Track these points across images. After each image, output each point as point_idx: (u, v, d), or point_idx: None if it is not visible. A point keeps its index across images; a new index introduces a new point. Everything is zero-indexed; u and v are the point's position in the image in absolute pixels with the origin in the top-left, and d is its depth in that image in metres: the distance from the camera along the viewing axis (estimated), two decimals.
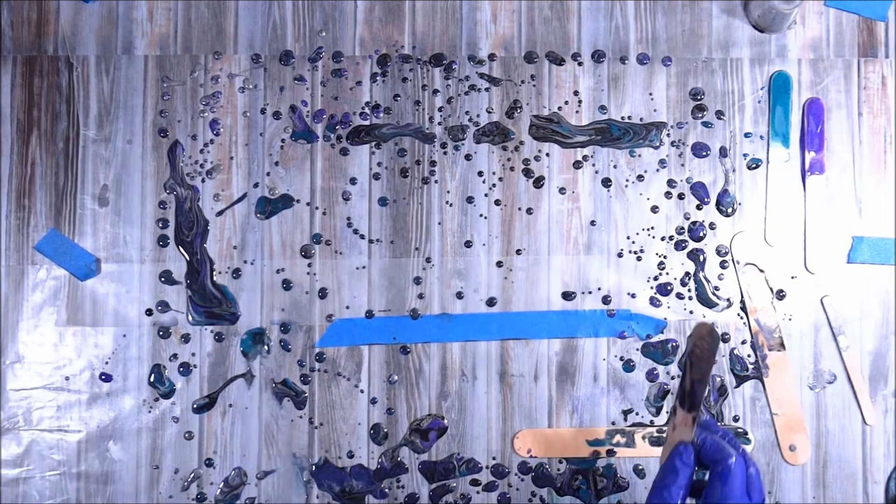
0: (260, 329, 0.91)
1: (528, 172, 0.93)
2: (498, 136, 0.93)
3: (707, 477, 0.65)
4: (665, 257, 0.93)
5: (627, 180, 0.93)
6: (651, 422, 0.91)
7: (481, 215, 0.92)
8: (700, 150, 0.93)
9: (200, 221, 0.91)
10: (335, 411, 0.90)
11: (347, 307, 0.91)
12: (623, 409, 0.91)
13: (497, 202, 0.92)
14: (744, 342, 0.92)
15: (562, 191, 0.93)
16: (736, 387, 0.92)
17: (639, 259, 0.92)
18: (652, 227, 0.93)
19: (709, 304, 0.92)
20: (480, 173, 0.93)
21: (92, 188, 0.91)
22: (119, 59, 0.92)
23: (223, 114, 0.92)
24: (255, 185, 0.92)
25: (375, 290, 0.92)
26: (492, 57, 0.93)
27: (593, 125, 0.93)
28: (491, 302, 0.92)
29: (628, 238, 0.93)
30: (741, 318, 0.92)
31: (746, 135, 0.94)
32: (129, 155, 0.92)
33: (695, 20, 0.95)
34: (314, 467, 0.89)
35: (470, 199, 0.92)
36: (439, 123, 0.93)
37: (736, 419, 0.91)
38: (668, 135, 0.94)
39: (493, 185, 0.93)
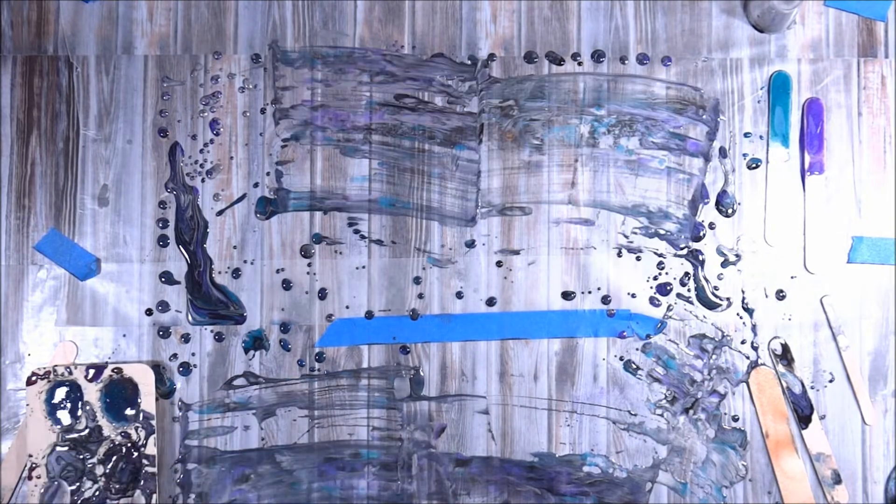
0: (259, 332, 0.91)
1: (528, 172, 0.93)
2: (498, 136, 0.93)
3: None
4: (664, 257, 0.93)
5: (627, 180, 0.93)
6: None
7: (481, 215, 0.92)
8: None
9: (200, 226, 0.91)
10: (335, 410, 0.90)
11: (347, 307, 0.91)
12: (623, 408, 0.91)
13: (497, 202, 0.92)
14: (743, 342, 0.92)
15: (562, 190, 0.93)
16: (735, 386, 0.92)
17: (638, 259, 0.92)
18: (652, 227, 0.93)
19: (709, 304, 0.92)
20: (480, 173, 0.93)
21: (92, 188, 0.91)
22: (119, 59, 0.92)
23: (223, 114, 0.92)
24: (255, 185, 0.92)
25: (375, 290, 0.92)
26: (491, 57, 0.93)
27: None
28: (491, 302, 0.92)
29: (627, 238, 0.93)
30: (740, 318, 0.92)
31: (746, 135, 0.94)
32: (129, 155, 0.92)
33: (694, 20, 0.95)
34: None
35: (470, 199, 0.92)
36: (441, 123, 0.93)
37: (735, 419, 0.91)
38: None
39: (494, 185, 0.93)
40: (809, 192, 0.93)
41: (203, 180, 0.92)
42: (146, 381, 0.87)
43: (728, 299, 0.93)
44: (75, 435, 0.87)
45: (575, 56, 0.94)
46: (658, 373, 0.92)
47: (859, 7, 0.95)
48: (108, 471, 0.87)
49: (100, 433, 0.87)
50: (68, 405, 0.87)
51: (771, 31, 0.94)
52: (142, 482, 0.86)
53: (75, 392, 0.87)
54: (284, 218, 0.92)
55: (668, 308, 0.92)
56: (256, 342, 0.91)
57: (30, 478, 0.86)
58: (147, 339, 0.90)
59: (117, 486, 0.86)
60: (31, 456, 0.86)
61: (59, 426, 0.87)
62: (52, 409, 0.87)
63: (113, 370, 0.87)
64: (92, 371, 0.87)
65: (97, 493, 0.86)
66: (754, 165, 0.94)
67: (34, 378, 0.87)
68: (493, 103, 0.93)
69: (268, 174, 0.92)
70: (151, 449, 0.87)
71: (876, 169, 0.94)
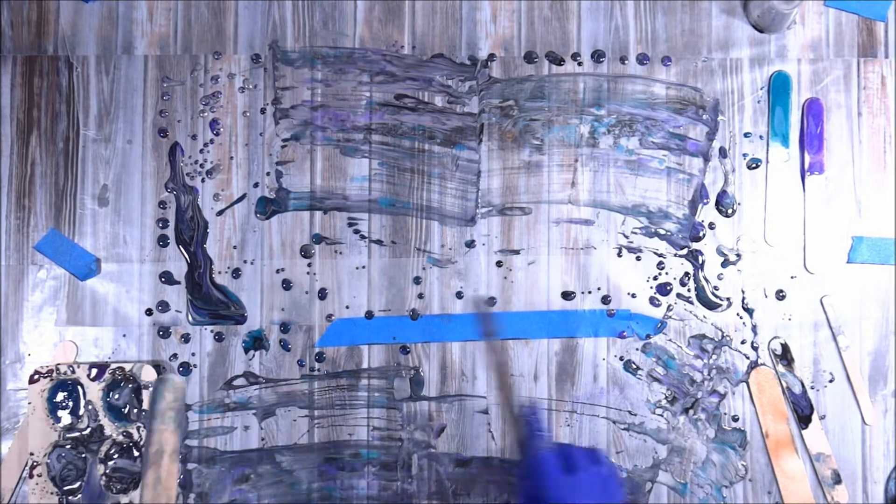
0: (259, 332, 0.91)
1: (528, 172, 0.93)
2: (498, 136, 0.93)
3: None
4: (664, 257, 0.93)
5: (627, 180, 0.93)
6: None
7: (481, 215, 0.92)
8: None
9: (200, 226, 0.91)
10: (335, 410, 0.90)
11: (347, 307, 0.91)
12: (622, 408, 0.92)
13: (497, 202, 0.92)
14: (743, 342, 0.92)
15: (562, 190, 0.93)
16: (735, 386, 0.92)
17: (638, 259, 0.92)
18: (652, 227, 0.93)
19: (709, 304, 0.92)
20: (480, 173, 0.93)
21: (92, 188, 0.91)
22: (119, 59, 0.92)
23: (223, 114, 0.92)
24: (255, 185, 0.92)
25: (375, 290, 0.92)
26: (491, 57, 0.93)
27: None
28: (491, 302, 0.92)
29: (627, 238, 0.93)
30: (740, 318, 0.92)
31: (746, 135, 0.94)
32: (128, 155, 0.92)
33: (694, 20, 0.95)
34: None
35: (470, 199, 0.92)
36: (441, 123, 0.93)
37: (735, 419, 0.91)
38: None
39: (494, 185, 0.93)
40: (809, 193, 0.93)
41: (203, 180, 0.92)
42: (148, 381, 0.87)
43: (728, 299, 0.93)
44: (77, 434, 0.87)
45: (575, 56, 0.94)
46: (658, 373, 0.92)
47: (859, 7, 0.95)
48: (108, 470, 0.87)
49: (101, 432, 0.87)
50: (70, 404, 0.87)
51: (771, 31, 0.94)
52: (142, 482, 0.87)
53: (77, 391, 0.87)
54: (284, 218, 0.92)
55: (668, 308, 0.92)
56: (256, 342, 0.91)
57: (31, 476, 0.86)
58: (147, 339, 0.90)
59: (118, 487, 0.86)
60: (32, 454, 0.86)
61: (60, 424, 0.87)
62: (53, 408, 0.87)
63: (116, 369, 0.87)
64: (94, 370, 0.87)
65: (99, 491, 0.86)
66: (754, 165, 0.94)
67: (36, 376, 0.87)
68: (493, 103, 0.93)
69: (268, 174, 0.92)
70: None
71: (876, 169, 0.94)
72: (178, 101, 0.92)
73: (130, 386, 0.87)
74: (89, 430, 0.87)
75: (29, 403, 0.87)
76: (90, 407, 0.87)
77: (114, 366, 0.88)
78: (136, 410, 0.87)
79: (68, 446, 0.87)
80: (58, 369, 0.87)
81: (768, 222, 0.93)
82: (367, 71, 0.93)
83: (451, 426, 0.91)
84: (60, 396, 0.87)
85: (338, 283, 0.91)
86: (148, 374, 0.87)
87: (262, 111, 0.92)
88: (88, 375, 0.87)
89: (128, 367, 0.87)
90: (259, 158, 0.92)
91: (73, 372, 0.87)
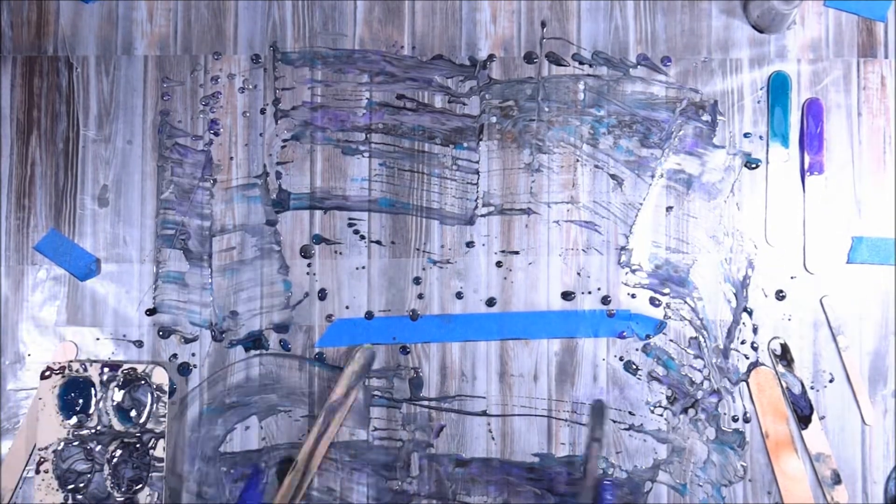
0: (258, 332, 0.91)
1: (528, 172, 0.93)
2: (498, 136, 0.93)
3: None
4: (666, 258, 0.93)
5: (627, 180, 0.93)
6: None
7: (481, 215, 0.92)
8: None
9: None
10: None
11: (347, 307, 0.91)
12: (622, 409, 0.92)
13: (497, 202, 0.92)
14: (743, 342, 0.92)
15: (562, 190, 0.93)
16: (734, 386, 0.92)
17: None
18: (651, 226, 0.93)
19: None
20: (479, 173, 0.93)
21: (92, 188, 0.91)
22: (119, 59, 0.92)
23: (223, 114, 0.92)
24: (255, 186, 0.92)
25: (375, 291, 0.92)
26: (491, 57, 0.93)
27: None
28: (490, 302, 0.92)
29: (627, 238, 0.93)
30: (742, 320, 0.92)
31: (746, 135, 0.94)
32: (128, 155, 0.92)
33: (694, 20, 0.95)
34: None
35: (469, 200, 0.92)
36: (441, 124, 0.93)
37: (735, 419, 0.91)
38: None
39: (494, 185, 0.93)
40: (809, 193, 0.93)
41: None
42: (160, 382, 0.88)
43: (728, 300, 0.93)
44: (86, 432, 0.87)
45: (575, 56, 0.94)
46: (658, 373, 0.92)
47: (859, 7, 0.95)
48: (113, 470, 0.87)
49: (110, 432, 0.87)
50: (81, 402, 0.87)
51: (771, 32, 0.94)
52: (148, 482, 0.87)
53: (89, 389, 0.87)
54: (284, 218, 0.92)
55: (668, 308, 0.92)
56: (256, 342, 0.91)
57: (37, 472, 0.86)
58: (147, 339, 0.90)
59: (123, 488, 0.86)
60: (42, 449, 0.86)
61: (70, 421, 0.87)
62: (64, 405, 0.87)
63: (128, 369, 0.87)
64: (107, 370, 0.87)
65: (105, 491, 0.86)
66: (754, 165, 0.94)
67: (48, 373, 0.87)
68: (493, 104, 0.93)
69: (267, 175, 0.92)
70: (160, 451, 0.87)
71: (876, 169, 0.94)
72: (178, 102, 0.92)
73: (142, 386, 0.87)
74: (98, 428, 0.87)
75: (39, 399, 0.87)
76: (100, 406, 0.87)
77: (126, 366, 0.88)
78: (144, 411, 0.87)
79: (76, 443, 0.87)
80: (70, 366, 0.87)
81: (768, 222, 0.93)
82: (367, 71, 0.93)
83: (450, 426, 0.91)
84: (72, 394, 0.87)
85: (338, 284, 0.92)
86: (160, 376, 0.87)
87: (262, 111, 0.93)
88: (100, 374, 0.87)
89: (140, 367, 0.87)
90: (259, 159, 0.92)
91: (86, 370, 0.87)
